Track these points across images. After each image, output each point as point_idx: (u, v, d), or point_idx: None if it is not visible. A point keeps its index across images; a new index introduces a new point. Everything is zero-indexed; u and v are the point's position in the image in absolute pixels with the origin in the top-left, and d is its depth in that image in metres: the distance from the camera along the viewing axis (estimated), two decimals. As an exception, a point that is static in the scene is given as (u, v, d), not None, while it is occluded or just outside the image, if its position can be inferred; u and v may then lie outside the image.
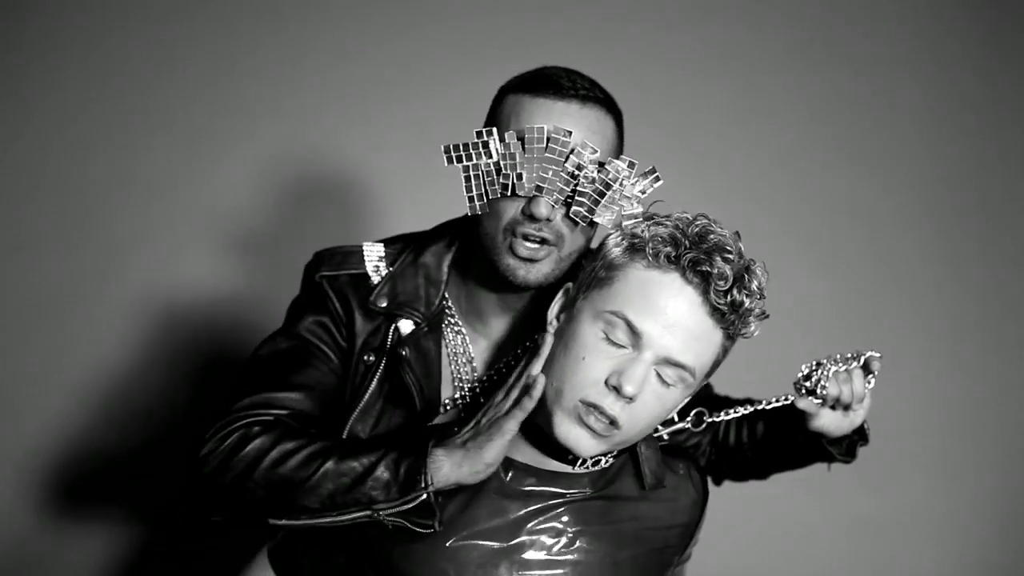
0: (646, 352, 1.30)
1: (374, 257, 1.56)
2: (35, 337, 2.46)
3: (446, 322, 1.57)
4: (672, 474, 1.50)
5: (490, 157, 1.42)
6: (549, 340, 1.38)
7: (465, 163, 1.42)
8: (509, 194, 1.41)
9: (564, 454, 1.39)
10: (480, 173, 1.42)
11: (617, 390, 1.30)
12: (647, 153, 1.58)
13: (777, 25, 2.73)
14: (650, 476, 1.46)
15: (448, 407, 1.55)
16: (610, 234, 1.39)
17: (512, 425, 1.33)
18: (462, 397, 1.56)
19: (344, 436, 1.50)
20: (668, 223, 1.34)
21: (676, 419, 1.51)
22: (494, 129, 1.42)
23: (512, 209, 1.42)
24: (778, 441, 1.66)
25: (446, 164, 1.44)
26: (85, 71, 2.48)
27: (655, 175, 1.46)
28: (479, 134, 1.42)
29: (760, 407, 1.53)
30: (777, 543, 2.65)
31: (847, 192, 2.75)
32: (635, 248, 1.33)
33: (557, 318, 1.41)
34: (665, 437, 1.51)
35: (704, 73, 2.70)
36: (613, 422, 1.32)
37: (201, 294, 2.49)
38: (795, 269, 2.66)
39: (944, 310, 2.78)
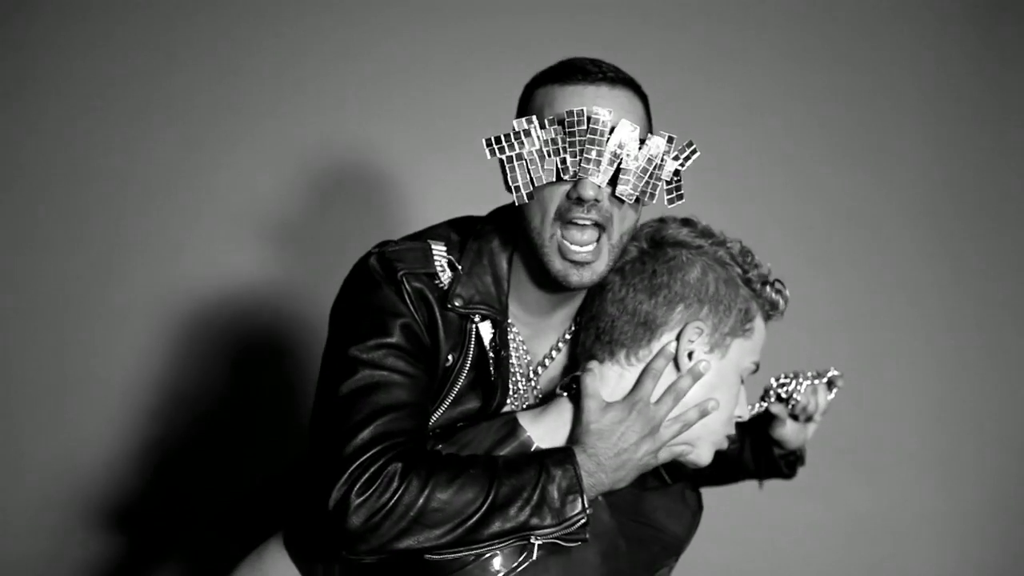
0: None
1: (440, 256, 1.51)
2: (38, 337, 2.45)
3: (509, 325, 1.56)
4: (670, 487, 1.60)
5: (532, 145, 1.43)
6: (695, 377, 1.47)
7: (508, 153, 1.44)
8: (555, 179, 1.42)
9: None
10: (524, 161, 1.43)
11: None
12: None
13: (777, 25, 2.77)
14: (666, 473, 1.58)
15: (512, 393, 1.55)
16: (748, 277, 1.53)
17: (667, 436, 1.44)
18: (517, 383, 1.56)
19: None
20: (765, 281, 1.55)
21: None
22: (533, 117, 1.44)
23: (558, 196, 1.43)
24: (722, 451, 1.73)
25: (489, 157, 1.45)
26: (87, 71, 2.49)
27: (693, 148, 1.49)
28: (519, 123, 1.44)
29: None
30: (776, 542, 2.65)
31: (847, 192, 2.79)
32: (762, 304, 1.54)
33: (689, 355, 1.49)
34: None
35: (704, 73, 2.74)
36: None
37: (210, 290, 2.49)
38: (795, 269, 2.65)
39: (944, 309, 2.82)
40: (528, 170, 1.44)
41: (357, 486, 1.29)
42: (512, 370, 1.55)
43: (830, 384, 1.71)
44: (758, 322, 1.53)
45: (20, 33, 2.45)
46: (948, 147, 2.84)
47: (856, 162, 2.80)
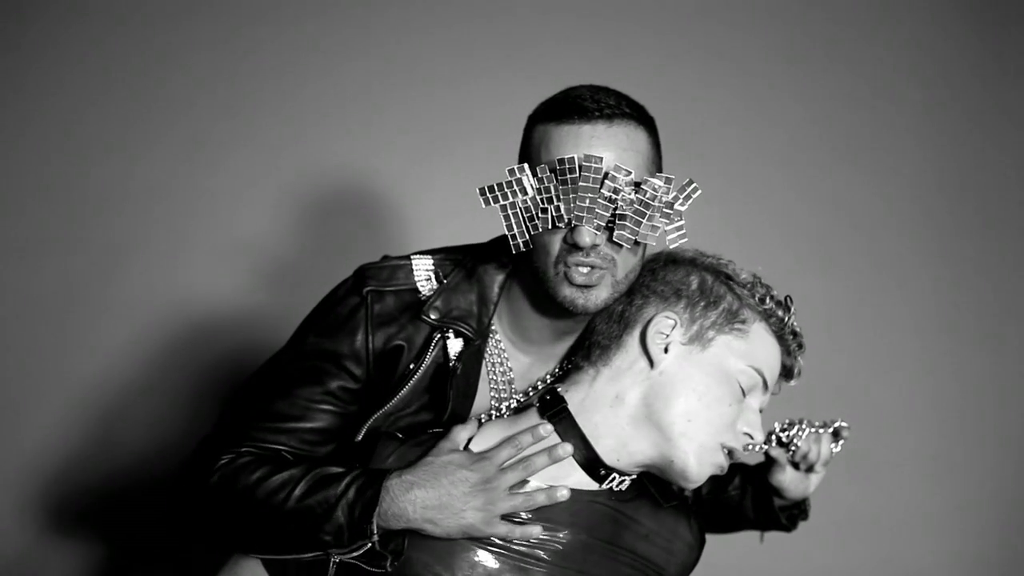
0: (754, 403, 1.46)
1: (423, 270, 1.53)
2: (35, 340, 2.47)
3: (491, 339, 1.56)
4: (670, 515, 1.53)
5: (525, 194, 1.41)
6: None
7: (502, 202, 1.42)
8: (550, 227, 1.40)
9: (597, 471, 1.42)
10: (519, 211, 1.42)
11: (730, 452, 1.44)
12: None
13: (777, 25, 2.72)
14: (660, 496, 1.49)
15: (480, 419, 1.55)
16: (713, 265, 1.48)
17: (503, 507, 1.37)
18: (496, 410, 1.56)
19: (363, 433, 1.49)
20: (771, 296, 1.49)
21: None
22: (525, 165, 1.42)
23: (557, 241, 1.41)
24: (724, 497, 1.75)
25: (483, 206, 1.44)
26: (86, 72, 2.50)
27: (693, 186, 1.45)
28: (512, 172, 1.42)
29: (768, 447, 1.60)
30: (774, 540, 2.60)
31: (846, 193, 2.75)
32: (764, 313, 1.45)
33: (665, 349, 1.43)
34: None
35: (703, 73, 2.69)
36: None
37: (202, 298, 2.50)
38: (794, 269, 2.65)
39: (943, 309, 2.77)
40: (523, 219, 1.42)
41: (223, 464, 1.40)
42: (490, 391, 1.55)
43: (836, 435, 1.63)
44: (756, 327, 1.45)
45: (20, 33, 2.47)
46: (947, 147, 2.77)
47: (855, 163, 2.76)
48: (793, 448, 1.57)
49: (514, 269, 1.56)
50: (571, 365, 1.53)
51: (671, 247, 1.47)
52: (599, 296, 1.43)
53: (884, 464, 2.71)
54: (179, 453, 2.44)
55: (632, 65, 2.59)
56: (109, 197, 2.50)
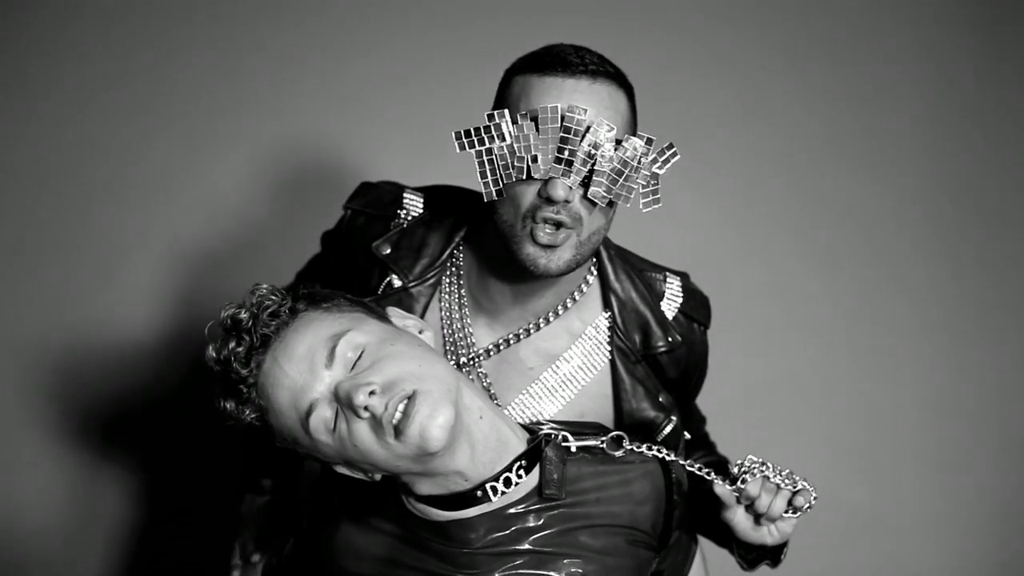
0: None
1: (410, 207, 1.60)
2: (35, 337, 2.43)
3: (448, 290, 1.56)
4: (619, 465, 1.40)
5: (503, 140, 1.38)
6: None
7: (478, 148, 1.38)
8: (525, 177, 1.37)
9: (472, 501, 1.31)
10: (494, 157, 1.38)
11: None
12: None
13: (777, 25, 2.72)
14: (554, 484, 1.33)
15: None
16: None
17: None
18: (457, 364, 1.55)
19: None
20: None
21: (600, 440, 1.41)
22: (505, 111, 1.38)
23: (529, 193, 1.38)
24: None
25: (458, 150, 1.40)
26: (85, 70, 2.46)
27: (673, 151, 1.43)
28: (490, 116, 1.38)
29: (681, 461, 1.44)
30: None
31: (846, 192, 2.74)
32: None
33: None
34: (573, 449, 1.38)
35: (703, 73, 2.68)
36: None
37: (202, 298, 2.47)
38: (794, 269, 2.66)
39: (943, 309, 2.77)
40: (498, 167, 1.39)
41: None
42: (446, 343, 1.57)
43: (794, 502, 1.42)
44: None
45: (19, 32, 2.44)
46: (947, 147, 2.78)
47: (855, 162, 2.76)
48: (741, 487, 1.40)
49: (478, 227, 1.54)
50: None
51: (644, 211, 1.44)
52: (561, 257, 1.40)
53: (884, 464, 2.70)
54: (175, 448, 2.44)
55: (631, 64, 2.56)
56: (109, 195, 2.46)
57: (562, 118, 1.35)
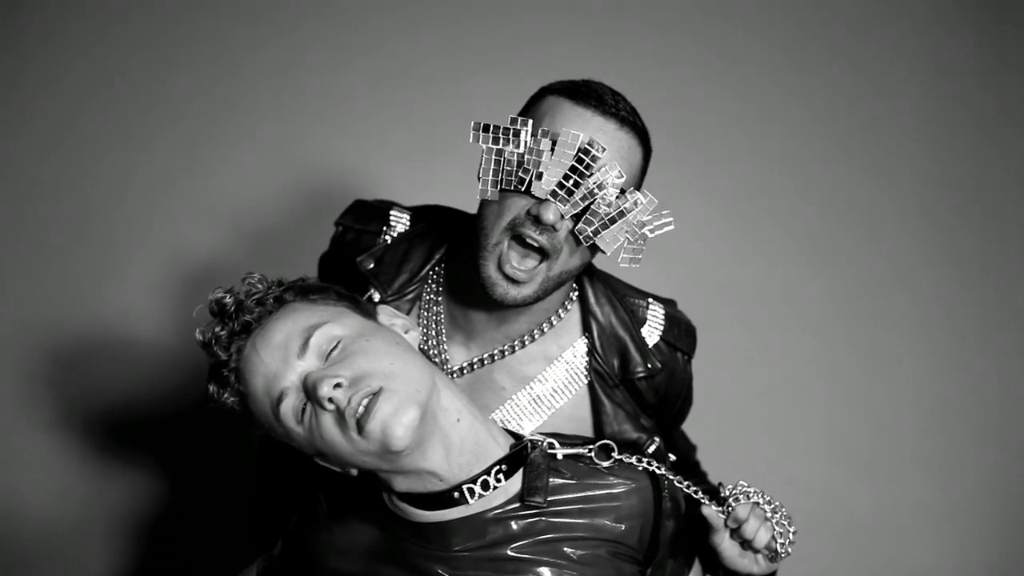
0: None
1: (396, 223, 1.62)
2: (35, 337, 2.39)
3: (426, 306, 1.56)
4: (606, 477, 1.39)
5: (517, 147, 1.38)
6: None
7: (491, 145, 1.38)
8: (523, 189, 1.37)
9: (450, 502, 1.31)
10: (503, 159, 1.38)
11: None
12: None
13: (777, 25, 2.72)
14: (537, 491, 1.32)
15: None
16: None
17: None
18: None
19: None
20: None
21: (588, 449, 1.40)
22: (530, 121, 1.39)
23: (517, 207, 1.38)
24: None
25: (471, 140, 1.40)
26: (85, 70, 2.44)
27: (669, 220, 1.44)
28: (514, 121, 1.39)
29: (671, 476, 1.44)
30: None
31: (847, 192, 2.73)
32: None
33: None
34: (560, 456, 1.38)
35: (703, 73, 2.68)
36: None
37: (202, 299, 2.44)
38: (795, 268, 2.66)
39: (944, 309, 2.77)
40: (503, 169, 1.39)
41: None
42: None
43: (771, 546, 1.45)
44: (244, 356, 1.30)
45: (19, 32, 2.42)
46: (948, 147, 2.78)
47: (856, 162, 2.75)
48: (728, 510, 1.42)
49: (460, 246, 1.54)
50: None
51: (622, 266, 1.44)
52: (521, 292, 1.41)
53: (884, 465, 2.69)
54: (178, 449, 2.41)
55: (632, 64, 2.57)
56: (110, 195, 2.44)
57: (580, 148, 1.35)
